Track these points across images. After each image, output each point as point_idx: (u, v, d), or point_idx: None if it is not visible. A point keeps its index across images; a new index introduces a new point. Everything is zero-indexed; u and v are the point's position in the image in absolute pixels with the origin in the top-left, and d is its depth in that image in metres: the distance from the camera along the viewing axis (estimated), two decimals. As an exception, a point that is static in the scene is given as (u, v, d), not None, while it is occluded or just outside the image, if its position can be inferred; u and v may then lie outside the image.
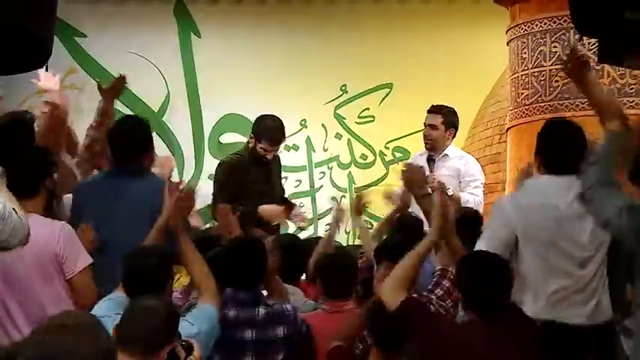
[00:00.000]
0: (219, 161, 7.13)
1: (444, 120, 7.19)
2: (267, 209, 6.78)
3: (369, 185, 10.33)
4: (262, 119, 6.96)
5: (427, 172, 7.14)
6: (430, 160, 7.22)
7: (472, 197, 6.99)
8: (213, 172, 7.09)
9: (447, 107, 7.29)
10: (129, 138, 5.14)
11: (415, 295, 4.29)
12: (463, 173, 7.13)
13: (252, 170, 6.91)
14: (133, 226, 4.72)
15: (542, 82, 7.82)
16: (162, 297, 3.83)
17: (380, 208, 8.95)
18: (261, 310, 4.64)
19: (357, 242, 9.92)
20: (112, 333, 3.51)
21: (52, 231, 4.53)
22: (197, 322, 4.19)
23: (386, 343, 4.28)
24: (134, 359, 3.38)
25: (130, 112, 10.17)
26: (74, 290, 4.55)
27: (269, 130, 6.85)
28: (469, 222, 5.37)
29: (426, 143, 7.26)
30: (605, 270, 4.59)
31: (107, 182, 5.14)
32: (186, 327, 4.12)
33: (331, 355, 4.45)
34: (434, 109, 7.26)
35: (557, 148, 4.68)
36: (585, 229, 4.53)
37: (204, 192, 10.09)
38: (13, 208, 3.75)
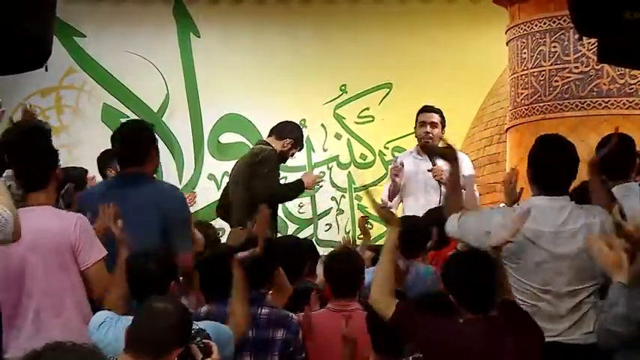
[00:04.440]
0: (262, 153, 7.01)
1: (441, 119, 7.26)
2: (306, 177, 7.20)
3: (369, 185, 10.34)
4: (297, 127, 7.34)
5: (429, 166, 7.18)
6: (430, 154, 7.26)
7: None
8: (262, 164, 7.00)
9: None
10: (129, 144, 5.12)
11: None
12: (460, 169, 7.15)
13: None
14: (138, 233, 4.70)
15: (541, 82, 7.82)
16: (175, 299, 3.81)
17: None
18: (264, 311, 4.68)
19: (358, 242, 9.94)
20: (124, 334, 3.54)
21: (68, 221, 4.54)
22: (208, 328, 4.21)
23: (384, 348, 4.28)
24: None
25: (130, 113, 10.21)
26: (88, 281, 4.56)
27: (303, 137, 7.29)
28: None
29: (426, 141, 7.28)
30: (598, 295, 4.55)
31: (111, 190, 5.12)
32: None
33: None
34: (432, 109, 7.31)
35: (549, 170, 4.61)
36: (576, 254, 4.52)
37: (205, 191, 10.19)
38: None
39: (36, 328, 4.43)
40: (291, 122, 7.36)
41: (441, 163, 7.08)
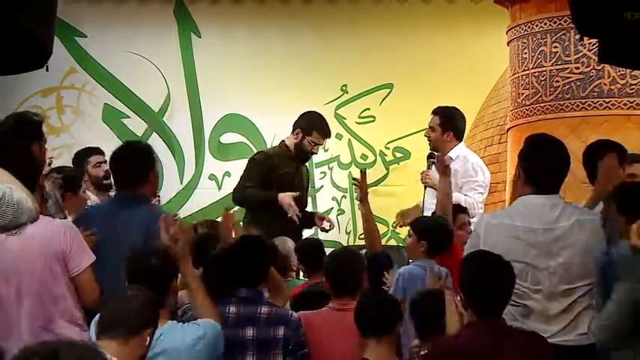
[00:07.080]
0: (257, 153, 7.28)
1: (440, 122, 7.21)
2: (282, 196, 6.83)
3: (370, 185, 10.31)
4: (309, 114, 7.11)
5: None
6: (430, 157, 7.29)
7: (464, 197, 7.07)
8: (247, 165, 7.08)
9: (448, 109, 7.29)
10: (128, 167, 5.16)
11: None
12: (461, 174, 7.17)
13: (284, 164, 6.98)
14: (124, 254, 4.68)
15: (542, 83, 7.82)
16: (142, 288, 3.82)
17: (379, 209, 8.97)
18: (264, 309, 4.68)
19: (358, 243, 9.94)
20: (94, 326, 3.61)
21: (56, 229, 4.53)
22: (203, 325, 4.20)
23: (379, 330, 4.30)
24: (115, 344, 3.43)
25: (130, 113, 10.21)
26: (79, 287, 4.55)
27: (320, 122, 7.05)
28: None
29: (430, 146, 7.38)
30: (594, 294, 4.53)
31: (107, 209, 5.20)
32: (194, 328, 4.17)
33: None
34: (433, 111, 7.30)
35: (542, 169, 4.62)
36: (569, 253, 4.53)
37: (205, 192, 10.18)
38: (10, 187, 3.79)
39: (24, 336, 4.40)
40: (306, 112, 7.19)
41: (432, 170, 7.17)
